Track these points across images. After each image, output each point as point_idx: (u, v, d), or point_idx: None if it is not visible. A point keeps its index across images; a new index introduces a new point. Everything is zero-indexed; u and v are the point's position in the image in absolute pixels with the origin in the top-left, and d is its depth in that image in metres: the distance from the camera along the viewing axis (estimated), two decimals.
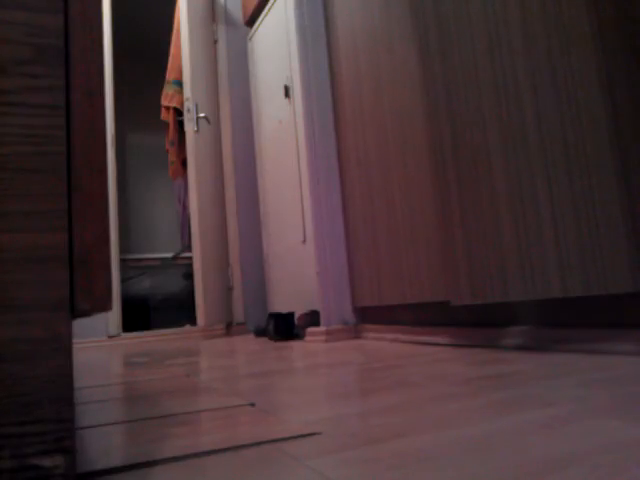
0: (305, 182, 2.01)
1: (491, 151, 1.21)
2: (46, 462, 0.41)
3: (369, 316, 1.88)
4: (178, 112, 3.30)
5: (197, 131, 2.88)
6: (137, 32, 4.51)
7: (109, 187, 2.84)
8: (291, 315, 2.11)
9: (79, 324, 2.70)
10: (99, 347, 2.64)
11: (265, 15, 2.42)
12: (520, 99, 1.14)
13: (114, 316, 2.78)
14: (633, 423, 0.51)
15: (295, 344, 1.86)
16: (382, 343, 1.61)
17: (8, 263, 0.43)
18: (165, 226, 4.77)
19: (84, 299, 0.45)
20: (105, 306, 0.47)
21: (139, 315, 3.90)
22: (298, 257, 2.10)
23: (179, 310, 3.99)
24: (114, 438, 0.63)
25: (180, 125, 3.34)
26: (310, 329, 1.95)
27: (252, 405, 0.76)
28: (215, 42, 3.09)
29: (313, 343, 1.84)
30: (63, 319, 0.44)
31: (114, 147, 2.89)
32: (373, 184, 1.74)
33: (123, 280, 3.82)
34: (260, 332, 2.44)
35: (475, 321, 1.36)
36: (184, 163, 3.30)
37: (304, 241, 2.04)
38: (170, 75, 3.29)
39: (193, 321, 3.58)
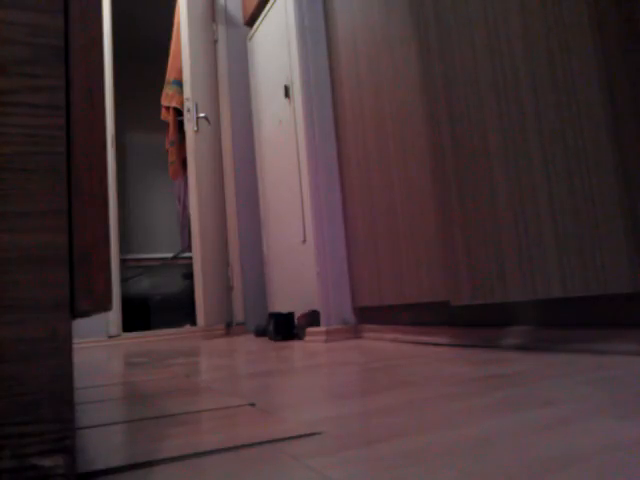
0: (305, 182, 2.01)
1: (491, 151, 1.21)
2: (46, 462, 0.41)
3: (369, 316, 1.88)
4: (178, 112, 3.30)
5: (197, 131, 2.88)
6: (137, 32, 4.51)
7: (109, 187, 2.84)
8: (291, 315, 2.11)
9: (79, 324, 2.70)
10: (99, 347, 2.64)
11: (265, 15, 2.42)
12: (520, 99, 1.14)
13: (114, 316, 2.78)
14: (634, 423, 0.51)
15: (295, 344, 1.86)
16: (382, 343, 1.61)
17: (8, 263, 0.43)
18: (165, 226, 4.77)
19: (84, 299, 0.45)
20: (105, 306, 0.47)
21: (139, 315, 3.90)
22: (298, 257, 2.10)
23: (179, 310, 3.99)
24: (114, 438, 0.63)
25: (180, 125, 3.34)
26: (310, 329, 1.95)
27: (252, 405, 0.76)
28: (215, 42, 3.09)
29: (313, 343, 1.84)
30: (63, 319, 0.44)
31: (114, 147, 2.89)
32: (373, 184, 1.74)
33: (123, 280, 3.82)
34: (260, 332, 2.44)
35: (475, 321, 1.36)
36: (184, 163, 3.30)
37: (304, 241, 2.04)
38: (170, 75, 3.29)
39: (193, 321, 3.58)
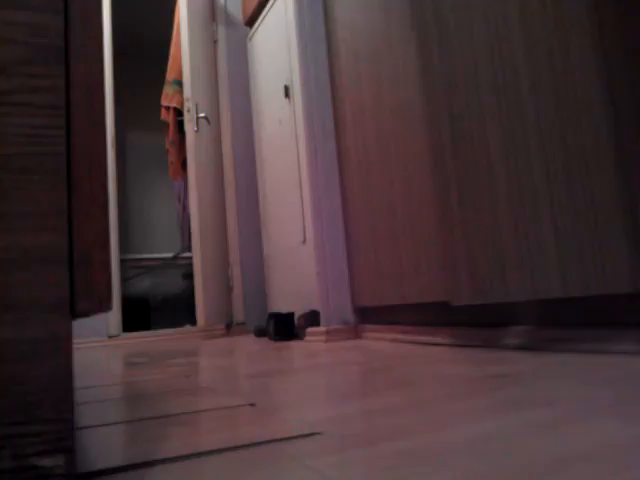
0: (305, 182, 2.01)
1: (491, 151, 1.21)
2: (46, 462, 0.41)
3: (369, 316, 1.88)
4: (178, 112, 3.30)
5: (197, 131, 2.88)
6: (137, 32, 4.51)
7: (109, 187, 2.84)
8: (291, 315, 2.11)
9: (79, 324, 2.70)
10: (99, 347, 2.64)
11: (265, 15, 2.42)
12: (520, 99, 1.14)
13: (114, 316, 2.78)
14: (634, 423, 0.51)
15: (295, 344, 1.86)
16: (382, 343, 1.61)
17: (8, 263, 0.43)
18: (165, 226, 4.76)
19: (84, 299, 0.45)
20: (105, 306, 0.47)
21: (139, 315, 3.90)
22: (298, 257, 2.10)
23: (179, 310, 3.99)
24: (114, 438, 0.63)
25: (180, 125, 3.34)
26: (310, 329, 1.95)
27: (252, 405, 0.76)
28: (215, 42, 3.09)
29: (313, 343, 1.83)
30: (63, 319, 0.44)
31: (114, 147, 2.89)
32: (373, 184, 1.74)
33: (123, 280, 3.82)
34: (260, 332, 2.44)
35: (475, 321, 1.36)
36: (184, 163, 3.30)
37: (304, 241, 2.04)
38: (170, 75, 3.28)
39: (193, 321, 3.58)
